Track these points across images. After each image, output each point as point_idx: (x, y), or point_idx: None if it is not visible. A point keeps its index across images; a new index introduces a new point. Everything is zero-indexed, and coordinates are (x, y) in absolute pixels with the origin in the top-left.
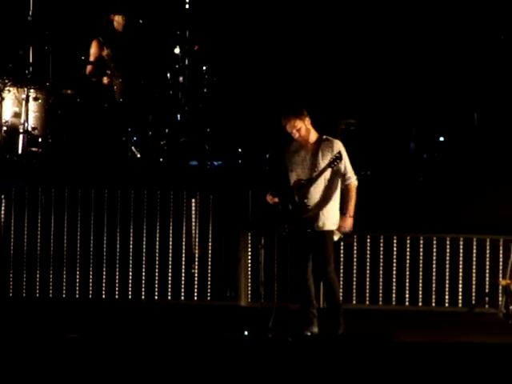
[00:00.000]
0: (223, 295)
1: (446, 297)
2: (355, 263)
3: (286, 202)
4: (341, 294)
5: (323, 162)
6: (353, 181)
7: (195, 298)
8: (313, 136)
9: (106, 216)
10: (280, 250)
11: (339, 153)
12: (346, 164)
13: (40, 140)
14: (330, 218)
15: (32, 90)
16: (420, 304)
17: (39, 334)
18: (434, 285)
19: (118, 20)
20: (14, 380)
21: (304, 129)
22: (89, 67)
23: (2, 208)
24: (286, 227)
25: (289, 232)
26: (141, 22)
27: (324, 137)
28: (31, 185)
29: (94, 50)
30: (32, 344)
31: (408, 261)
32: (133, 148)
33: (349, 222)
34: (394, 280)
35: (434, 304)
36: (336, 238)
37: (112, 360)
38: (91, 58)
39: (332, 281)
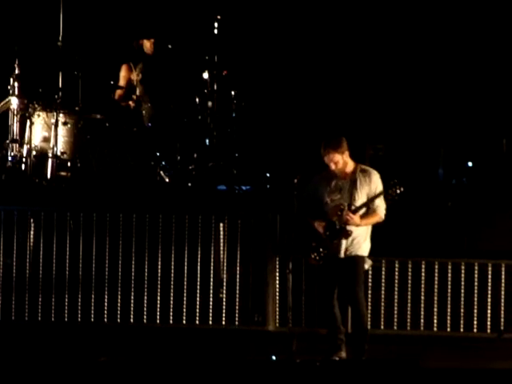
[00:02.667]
0: (251, 320)
1: (475, 322)
2: (383, 288)
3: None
4: (368, 320)
5: (361, 192)
6: (379, 212)
7: (223, 322)
8: (350, 166)
9: (134, 240)
10: (308, 274)
11: (396, 180)
12: (381, 197)
13: (69, 164)
14: (363, 245)
15: (61, 115)
16: (448, 329)
17: (68, 358)
18: (462, 310)
19: (147, 44)
20: None
21: (342, 162)
22: (118, 91)
23: (32, 232)
24: (320, 251)
25: (323, 257)
26: (170, 46)
27: (362, 167)
28: (60, 209)
29: (123, 73)
30: (61, 368)
31: (436, 286)
32: (161, 172)
33: (354, 217)
34: (422, 305)
35: (462, 329)
36: (366, 266)
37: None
38: (121, 82)
39: (361, 306)
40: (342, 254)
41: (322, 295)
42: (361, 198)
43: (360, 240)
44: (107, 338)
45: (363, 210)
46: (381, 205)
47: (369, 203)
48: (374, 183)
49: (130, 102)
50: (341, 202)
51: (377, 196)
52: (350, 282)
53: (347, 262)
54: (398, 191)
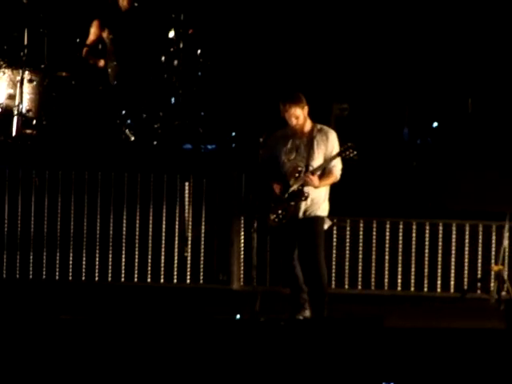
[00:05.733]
0: (216, 278)
1: (439, 282)
2: (348, 248)
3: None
4: (333, 279)
5: (318, 151)
6: (335, 172)
7: (188, 281)
8: (308, 125)
9: (99, 198)
10: (273, 234)
11: (351, 143)
12: (338, 157)
13: (34, 122)
14: (322, 205)
15: (27, 72)
16: (412, 289)
17: (32, 316)
18: (426, 270)
19: (122, 1)
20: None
21: (302, 117)
22: (85, 48)
23: None
24: (279, 213)
25: (282, 218)
26: (136, 4)
27: (318, 126)
28: (25, 167)
29: (94, 29)
30: (24, 325)
31: (401, 246)
32: (127, 131)
33: (313, 178)
34: (387, 265)
35: (426, 289)
36: (326, 226)
37: (104, 342)
38: (91, 37)
39: (320, 267)
40: (301, 215)
41: (283, 256)
42: (318, 158)
43: (319, 201)
44: (71, 295)
45: (320, 171)
46: (337, 164)
47: (325, 163)
48: (330, 142)
49: (101, 60)
50: (298, 163)
51: (334, 157)
52: (310, 242)
53: (306, 222)
54: (352, 155)
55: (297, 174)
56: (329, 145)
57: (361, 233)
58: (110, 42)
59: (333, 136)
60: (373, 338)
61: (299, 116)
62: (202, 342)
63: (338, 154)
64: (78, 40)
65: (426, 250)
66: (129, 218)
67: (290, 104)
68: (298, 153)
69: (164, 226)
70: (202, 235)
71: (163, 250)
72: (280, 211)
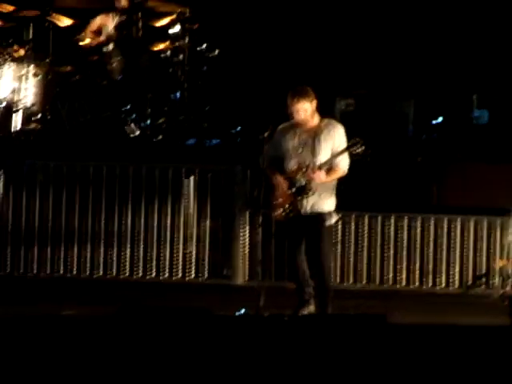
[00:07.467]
0: (220, 274)
1: (443, 278)
2: (352, 243)
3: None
4: (337, 274)
5: (325, 145)
6: (342, 166)
7: (192, 276)
8: (315, 119)
9: (104, 192)
10: (278, 228)
11: (359, 138)
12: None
13: (39, 116)
14: (328, 200)
15: (31, 66)
16: (416, 284)
17: (29, 311)
18: (430, 265)
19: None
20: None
21: (310, 111)
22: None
23: (0, 184)
24: (286, 208)
25: (288, 213)
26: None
27: (326, 120)
28: (29, 161)
29: (99, 19)
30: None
31: (405, 241)
32: (131, 125)
33: (320, 173)
34: (391, 260)
35: (430, 285)
36: (333, 221)
37: (105, 339)
38: (96, 23)
39: (327, 263)
40: (308, 210)
41: (289, 251)
42: (325, 152)
43: (326, 195)
44: (75, 291)
45: (327, 166)
46: (344, 159)
47: (333, 158)
48: (338, 137)
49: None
50: (305, 158)
51: (341, 152)
52: (316, 237)
53: (313, 217)
54: (359, 150)
55: (303, 169)
56: (336, 139)
57: (365, 228)
58: (116, 28)
59: (340, 130)
60: (376, 334)
61: (307, 110)
62: (206, 338)
63: (346, 149)
64: (83, 34)
65: (431, 246)
66: (133, 212)
67: (299, 97)
68: (305, 147)
69: (169, 221)
70: (207, 230)
71: (168, 245)
72: (287, 206)
